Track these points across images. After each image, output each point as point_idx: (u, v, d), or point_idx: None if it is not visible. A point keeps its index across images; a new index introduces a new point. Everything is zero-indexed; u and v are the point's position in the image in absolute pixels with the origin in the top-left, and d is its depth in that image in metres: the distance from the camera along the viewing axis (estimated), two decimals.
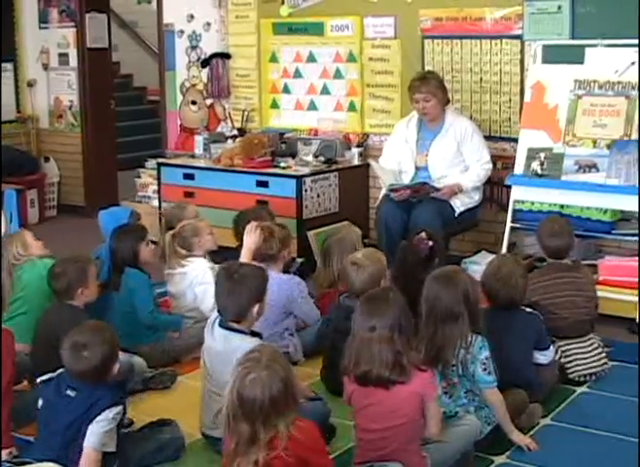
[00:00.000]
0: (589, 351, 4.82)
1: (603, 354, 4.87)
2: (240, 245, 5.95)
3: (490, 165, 6.41)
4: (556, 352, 4.72)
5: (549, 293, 4.81)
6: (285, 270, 5.31)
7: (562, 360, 4.74)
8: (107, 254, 5.47)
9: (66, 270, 4.54)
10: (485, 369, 3.92)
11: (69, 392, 3.63)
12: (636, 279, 5.45)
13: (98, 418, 3.55)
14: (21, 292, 4.97)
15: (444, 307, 3.91)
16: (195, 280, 5.44)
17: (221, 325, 3.99)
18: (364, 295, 3.79)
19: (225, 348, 3.91)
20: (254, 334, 4.00)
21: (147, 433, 4.01)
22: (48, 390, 3.71)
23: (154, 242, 5.49)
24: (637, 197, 5.55)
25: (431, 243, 5.23)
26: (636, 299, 5.42)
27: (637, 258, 5.53)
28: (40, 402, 3.74)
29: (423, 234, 5.28)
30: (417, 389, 3.49)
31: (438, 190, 6.25)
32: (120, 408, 3.63)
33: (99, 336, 3.67)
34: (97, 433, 3.56)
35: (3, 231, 6.50)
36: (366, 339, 3.50)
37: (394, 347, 3.46)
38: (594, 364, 4.80)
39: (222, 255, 5.74)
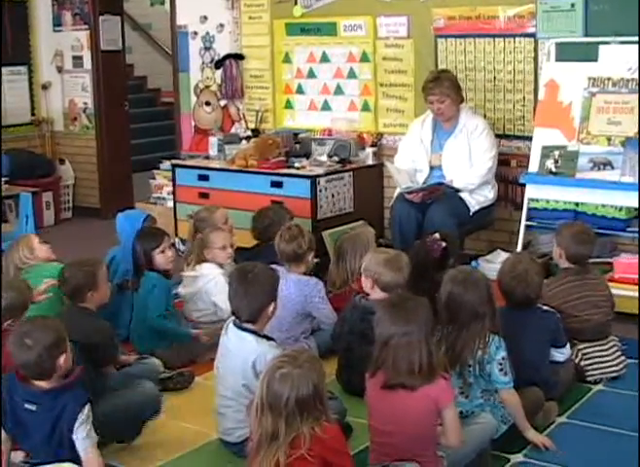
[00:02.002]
0: (609, 354, 4.82)
1: (622, 357, 4.86)
2: (259, 244, 6.01)
3: (489, 165, 6.36)
4: (576, 355, 4.73)
5: (568, 296, 4.80)
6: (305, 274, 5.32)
7: (582, 363, 4.74)
8: (123, 256, 5.50)
9: (75, 275, 4.51)
10: (502, 369, 3.92)
11: (28, 406, 3.54)
12: None
13: (76, 428, 3.52)
14: None
15: (470, 309, 3.90)
16: (208, 286, 5.47)
17: (235, 325, 4.00)
18: (391, 300, 3.75)
19: (239, 349, 3.92)
20: (267, 338, 4.00)
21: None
22: (6, 407, 3.60)
23: (172, 245, 5.52)
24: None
25: (444, 244, 5.23)
26: None
27: None
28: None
29: (437, 235, 5.27)
30: (432, 394, 3.47)
31: (453, 189, 6.26)
32: (88, 405, 3.57)
33: (43, 323, 3.61)
34: (83, 438, 3.55)
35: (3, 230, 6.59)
36: (403, 343, 3.47)
37: (429, 349, 3.47)
38: (613, 368, 4.80)
39: (241, 256, 5.78)
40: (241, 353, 3.89)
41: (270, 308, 3.98)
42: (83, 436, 3.54)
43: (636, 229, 5.99)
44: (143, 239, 5.38)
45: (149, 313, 5.16)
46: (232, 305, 4.02)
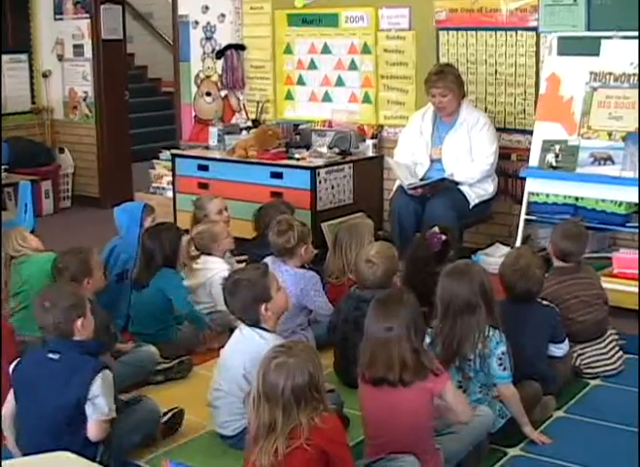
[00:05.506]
0: (606, 352, 4.80)
1: (619, 354, 4.85)
2: (258, 236, 6.01)
3: (491, 160, 6.35)
4: (572, 355, 4.73)
5: (560, 296, 4.74)
6: (304, 267, 5.31)
7: (577, 362, 4.73)
8: (123, 246, 5.49)
9: (69, 264, 4.56)
10: (501, 364, 3.91)
11: (51, 355, 3.64)
12: None
13: (92, 393, 3.56)
14: (23, 287, 5.00)
15: (462, 301, 3.90)
16: (211, 280, 5.47)
17: (248, 325, 4.02)
18: (377, 297, 3.74)
19: (252, 345, 3.90)
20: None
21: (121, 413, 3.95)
22: (29, 362, 3.72)
23: (186, 231, 5.57)
24: None
25: (444, 237, 5.23)
26: None
27: None
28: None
29: (436, 229, 5.27)
30: (427, 385, 3.49)
31: (456, 183, 6.25)
32: (107, 371, 3.64)
33: (61, 287, 3.84)
34: (100, 408, 3.60)
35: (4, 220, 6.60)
36: (382, 340, 3.49)
37: (412, 346, 3.47)
38: (610, 366, 4.79)
39: (241, 247, 5.79)
40: (257, 348, 3.81)
41: (263, 307, 3.95)
42: (96, 394, 3.56)
43: (635, 224, 5.99)
44: (168, 231, 5.32)
45: (182, 309, 5.18)
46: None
